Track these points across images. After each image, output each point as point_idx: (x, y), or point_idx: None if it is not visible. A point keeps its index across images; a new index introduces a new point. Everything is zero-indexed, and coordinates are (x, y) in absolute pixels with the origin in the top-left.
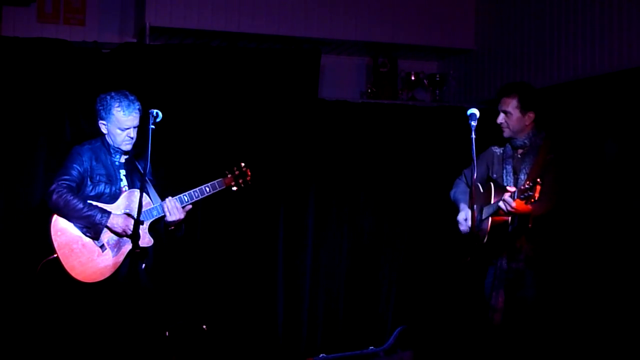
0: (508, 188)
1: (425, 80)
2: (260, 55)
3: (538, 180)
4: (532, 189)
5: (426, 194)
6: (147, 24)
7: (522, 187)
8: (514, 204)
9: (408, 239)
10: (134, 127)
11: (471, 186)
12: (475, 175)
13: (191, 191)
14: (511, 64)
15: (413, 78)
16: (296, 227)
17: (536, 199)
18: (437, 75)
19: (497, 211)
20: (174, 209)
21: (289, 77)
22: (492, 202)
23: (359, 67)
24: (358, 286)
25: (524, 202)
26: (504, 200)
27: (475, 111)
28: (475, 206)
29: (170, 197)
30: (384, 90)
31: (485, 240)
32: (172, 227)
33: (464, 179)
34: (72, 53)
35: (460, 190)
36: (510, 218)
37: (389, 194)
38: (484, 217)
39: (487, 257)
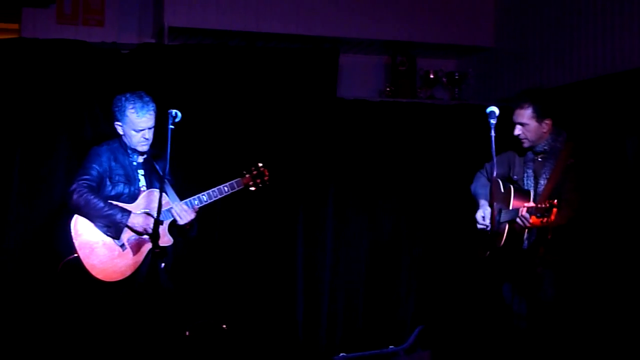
0: (525, 204)
1: (444, 79)
2: (278, 54)
3: (555, 202)
4: (549, 211)
5: (446, 193)
6: (166, 25)
7: (539, 206)
8: (530, 221)
9: (428, 238)
10: (149, 129)
11: (491, 183)
12: (495, 172)
13: (209, 191)
14: (531, 61)
15: (432, 76)
16: (315, 227)
17: (551, 221)
18: (456, 74)
19: (515, 221)
20: (182, 212)
21: (307, 76)
22: (511, 205)
23: (378, 66)
24: (378, 286)
25: (539, 220)
26: (521, 217)
27: (494, 109)
28: (496, 204)
29: (176, 202)
30: (403, 89)
31: (501, 244)
32: (187, 228)
33: (484, 172)
34: (91, 54)
35: (480, 184)
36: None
37: (408, 194)
38: (501, 220)
39: (503, 260)
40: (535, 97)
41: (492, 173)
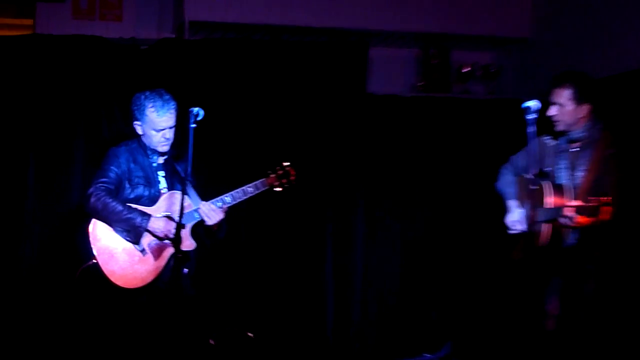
0: (568, 202)
1: (479, 72)
2: (304, 48)
3: (606, 199)
4: (597, 210)
5: (482, 191)
6: (187, 19)
7: (588, 205)
8: (578, 220)
9: (464, 239)
10: (170, 128)
11: (527, 181)
12: (532, 171)
13: (233, 192)
14: (570, 53)
15: (466, 70)
16: (345, 229)
17: (603, 219)
18: (492, 66)
19: (556, 220)
20: (210, 212)
21: (335, 71)
22: (548, 202)
23: (409, 60)
24: (411, 289)
25: (589, 219)
26: (565, 217)
27: (532, 104)
28: (525, 202)
29: (203, 202)
30: (436, 83)
31: (541, 243)
32: (215, 229)
33: (510, 167)
34: (109, 50)
35: (506, 182)
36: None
37: (443, 193)
38: (539, 220)
39: (543, 260)
40: (577, 78)
41: (524, 170)
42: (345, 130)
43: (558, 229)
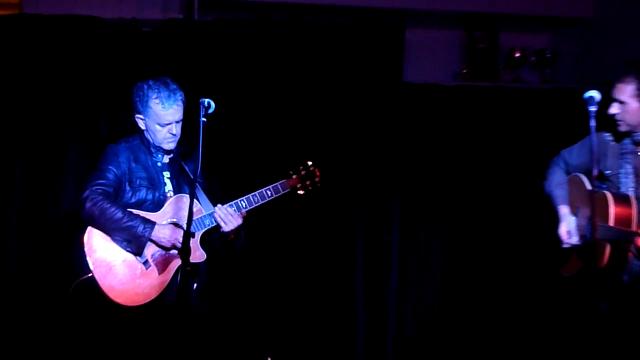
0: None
1: (532, 58)
2: (331, 30)
3: None
4: None
5: (534, 194)
6: None
7: None
8: None
9: (514, 249)
10: (177, 122)
11: (592, 190)
12: (595, 171)
13: (250, 195)
14: (637, 36)
15: (518, 55)
16: (377, 237)
17: None
18: (547, 51)
19: (619, 242)
20: (227, 216)
21: (367, 57)
22: (610, 215)
23: (452, 43)
24: (453, 301)
25: None
26: (636, 247)
27: (594, 94)
28: (581, 208)
29: (219, 205)
30: (482, 71)
31: (599, 266)
32: (232, 237)
33: (562, 164)
34: (106, 32)
35: (556, 182)
36: None
37: (490, 196)
38: (599, 237)
39: (597, 286)
40: None
41: (579, 168)
42: (378, 124)
43: (621, 252)
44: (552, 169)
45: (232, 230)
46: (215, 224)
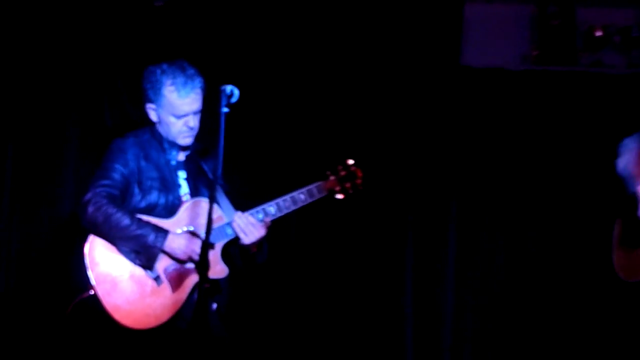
0: None
1: (616, 37)
2: (375, 5)
3: None
4: None
5: (617, 194)
6: None
7: None
8: None
9: (591, 253)
10: (194, 113)
11: None
12: None
13: (279, 199)
14: None
15: (599, 34)
16: (431, 250)
17: None
18: (634, 29)
19: None
20: (248, 226)
21: (418, 35)
22: None
23: (520, 20)
24: (517, 327)
25: None
26: None
27: None
28: None
29: (239, 213)
30: (556, 52)
31: None
32: (254, 250)
33: None
34: (112, 6)
35: (634, 159)
36: None
37: (564, 196)
38: None
39: None
40: None
41: None
42: (431, 116)
43: None
44: (627, 146)
45: (253, 243)
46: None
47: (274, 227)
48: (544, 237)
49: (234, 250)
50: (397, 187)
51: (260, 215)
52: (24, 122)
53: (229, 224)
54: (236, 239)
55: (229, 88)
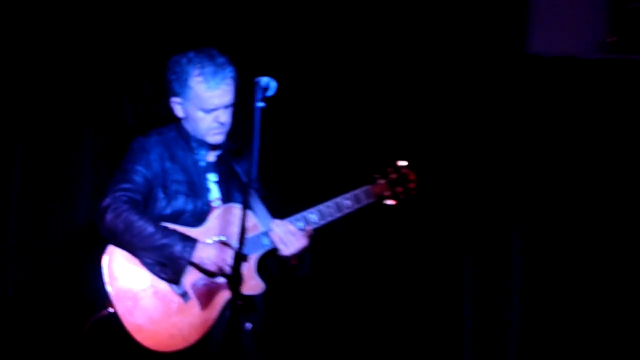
0: None
1: None
2: None
3: None
4: None
5: None
6: None
7: None
8: None
9: None
10: (226, 107)
11: None
12: None
13: (321, 206)
14: None
15: None
16: (492, 271)
17: None
18: None
19: None
20: (288, 235)
21: (479, 21)
22: None
23: (593, 4)
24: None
25: None
26: None
27: None
28: None
29: (279, 221)
30: (636, 39)
31: None
32: (294, 262)
33: None
34: None
35: None
36: None
37: None
38: None
39: None
40: None
41: None
42: (493, 110)
43: None
44: None
45: (294, 255)
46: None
47: (316, 237)
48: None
49: (271, 262)
50: (454, 195)
51: (301, 224)
52: (33, 118)
53: (266, 233)
54: (274, 251)
55: (264, 80)
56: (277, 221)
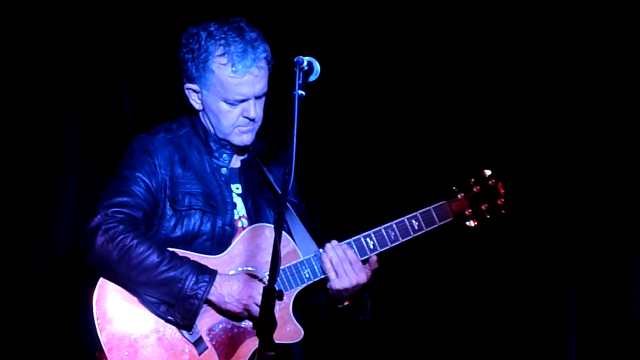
0: None
1: None
2: None
3: None
4: None
5: None
6: None
7: None
8: None
9: None
10: (257, 98)
11: None
12: None
13: (382, 228)
14: None
15: None
16: (602, 297)
17: None
18: None
19: None
20: (345, 263)
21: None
22: None
23: None
24: None
25: None
26: None
27: None
28: None
29: (335, 242)
30: None
31: None
32: (346, 303)
33: None
34: None
35: None
36: None
37: None
38: None
39: None
40: None
41: None
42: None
43: None
44: None
45: (348, 290)
46: (321, 276)
47: (377, 273)
48: None
49: (318, 299)
50: (553, 211)
51: (353, 250)
52: (10, 113)
53: (309, 261)
54: (318, 285)
55: (306, 60)
56: (335, 244)
